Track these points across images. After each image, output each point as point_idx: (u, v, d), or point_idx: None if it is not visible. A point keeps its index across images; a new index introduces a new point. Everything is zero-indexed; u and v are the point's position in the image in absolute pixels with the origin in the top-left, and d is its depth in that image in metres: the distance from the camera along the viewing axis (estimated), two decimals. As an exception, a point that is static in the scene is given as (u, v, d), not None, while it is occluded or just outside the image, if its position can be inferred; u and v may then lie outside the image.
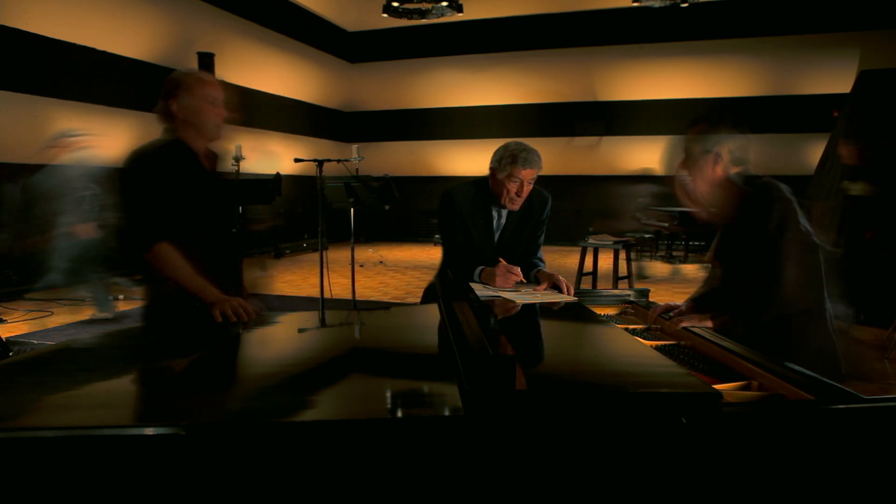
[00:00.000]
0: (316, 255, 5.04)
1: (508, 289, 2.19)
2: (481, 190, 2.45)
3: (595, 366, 1.43)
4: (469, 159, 12.74)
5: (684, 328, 1.74)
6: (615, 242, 6.39)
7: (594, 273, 6.60)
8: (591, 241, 6.60)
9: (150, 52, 8.47)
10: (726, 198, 1.84)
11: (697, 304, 1.95)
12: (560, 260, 9.44)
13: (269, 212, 8.95)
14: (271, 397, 1.27)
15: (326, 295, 5.05)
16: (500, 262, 2.28)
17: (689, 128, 1.86)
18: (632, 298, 2.20)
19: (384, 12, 9.41)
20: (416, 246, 12.48)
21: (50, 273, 4.66)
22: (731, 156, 1.81)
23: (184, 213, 1.95)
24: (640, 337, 1.77)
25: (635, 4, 9.32)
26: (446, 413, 1.14)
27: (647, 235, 10.16)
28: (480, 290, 2.12)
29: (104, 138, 5.39)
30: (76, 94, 7.42)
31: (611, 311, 2.14)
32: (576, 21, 11.99)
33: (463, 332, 1.37)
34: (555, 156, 10.74)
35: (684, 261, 9.70)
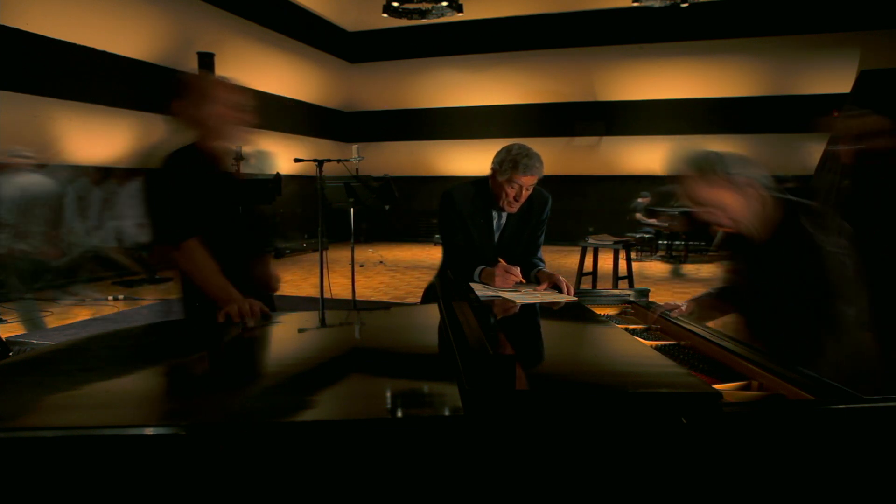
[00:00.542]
0: (316, 255, 5.04)
1: (508, 289, 2.19)
2: (481, 190, 2.45)
3: (595, 366, 1.43)
4: (469, 159, 12.75)
5: (684, 328, 1.74)
6: (615, 242, 6.40)
7: (594, 273, 6.60)
8: (591, 241, 6.60)
9: (150, 52, 8.47)
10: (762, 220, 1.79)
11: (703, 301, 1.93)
12: (560, 260, 9.44)
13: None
14: (271, 397, 1.26)
15: (326, 295, 5.05)
16: (499, 262, 2.27)
17: (688, 176, 1.81)
18: (632, 298, 2.19)
19: (384, 12, 9.41)
20: (416, 246, 12.48)
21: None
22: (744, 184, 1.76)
23: (207, 213, 2.00)
24: (640, 337, 1.77)
25: (635, 4, 9.33)
26: (446, 413, 1.14)
27: (648, 235, 10.17)
28: (480, 290, 2.12)
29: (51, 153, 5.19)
30: (76, 94, 7.43)
31: (611, 311, 2.14)
32: (576, 21, 12.00)
33: (463, 332, 1.37)
34: (555, 156, 10.73)
35: (684, 261, 9.70)
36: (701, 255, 10.42)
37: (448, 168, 13.23)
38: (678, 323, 1.80)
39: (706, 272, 8.77)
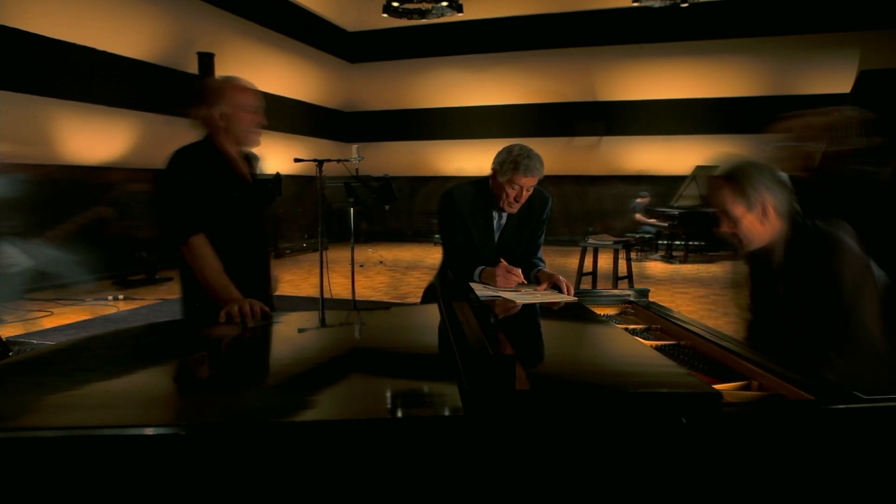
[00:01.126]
0: (316, 255, 5.04)
1: (508, 289, 2.19)
2: (481, 190, 2.45)
3: (595, 366, 1.43)
4: (469, 159, 12.74)
5: (684, 328, 1.74)
6: (615, 242, 6.40)
7: (594, 273, 6.60)
8: (591, 241, 6.60)
9: (150, 52, 8.47)
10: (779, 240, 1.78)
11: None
12: (560, 260, 9.44)
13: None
14: (271, 397, 1.27)
15: (326, 295, 5.05)
16: (500, 262, 2.27)
17: (720, 187, 1.79)
18: (632, 298, 2.19)
19: (384, 12, 9.41)
20: (416, 246, 12.48)
21: None
22: (776, 207, 1.75)
23: (215, 212, 2.03)
24: (640, 337, 1.77)
25: (635, 4, 9.32)
26: (446, 413, 1.14)
27: (648, 235, 10.17)
28: (480, 290, 2.12)
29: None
30: (76, 94, 7.42)
31: (611, 311, 2.14)
32: (576, 21, 11.99)
33: (463, 332, 1.37)
34: (555, 156, 10.74)
35: (684, 261, 9.70)
36: (701, 255, 10.42)
37: (448, 168, 13.23)
38: (678, 323, 1.80)
39: (706, 272, 8.77)
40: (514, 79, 12.77)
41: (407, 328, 1.93)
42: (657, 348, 1.64)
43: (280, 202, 8.10)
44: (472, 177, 2.58)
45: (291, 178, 9.62)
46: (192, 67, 8.90)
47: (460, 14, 9.51)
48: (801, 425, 1.11)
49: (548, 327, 1.85)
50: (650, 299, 2.20)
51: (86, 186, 7.41)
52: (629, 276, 6.49)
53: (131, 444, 0.99)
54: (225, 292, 1.94)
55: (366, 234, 12.53)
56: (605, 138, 12.51)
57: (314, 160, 4.87)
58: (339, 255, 9.17)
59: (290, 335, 1.85)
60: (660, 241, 10.47)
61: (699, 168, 9.81)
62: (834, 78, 10.18)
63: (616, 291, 2.37)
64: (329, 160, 4.89)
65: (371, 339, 1.81)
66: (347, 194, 5.07)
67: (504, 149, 2.36)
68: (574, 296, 2.14)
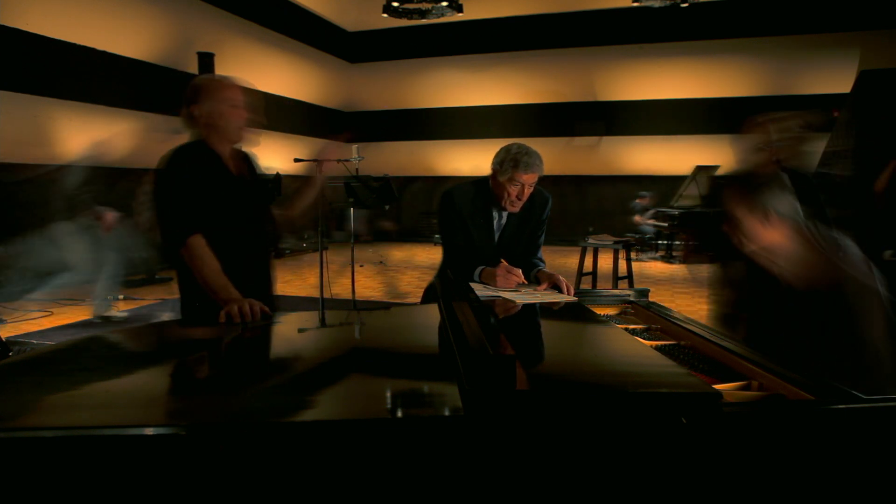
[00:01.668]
0: (316, 255, 5.04)
1: (509, 289, 2.19)
2: (481, 190, 2.45)
3: (595, 366, 1.43)
4: (469, 159, 12.74)
5: (684, 328, 1.74)
6: (615, 242, 6.40)
7: (594, 273, 6.60)
8: (591, 241, 6.60)
9: (150, 52, 8.47)
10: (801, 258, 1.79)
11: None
12: (560, 260, 9.43)
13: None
14: (271, 397, 1.27)
15: (326, 295, 5.05)
16: (501, 262, 2.27)
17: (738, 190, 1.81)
18: (632, 298, 2.19)
19: (384, 12, 9.41)
20: (416, 246, 12.48)
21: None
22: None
23: (210, 212, 2.02)
24: (640, 337, 1.77)
25: (635, 4, 9.32)
26: (446, 413, 1.14)
27: (648, 236, 10.17)
28: (480, 290, 2.12)
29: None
30: (76, 94, 7.42)
31: (611, 311, 2.14)
32: (576, 21, 11.99)
33: (463, 332, 1.37)
34: (555, 156, 10.73)
35: (684, 261, 9.70)
36: (700, 256, 10.41)
37: (448, 168, 13.22)
38: (678, 323, 1.80)
39: (707, 272, 8.75)
40: (514, 79, 12.76)
41: (407, 328, 1.93)
42: (657, 348, 1.64)
43: (280, 202, 8.08)
44: (471, 177, 2.58)
45: (291, 179, 9.62)
46: (192, 67, 8.90)
47: (460, 14, 9.52)
48: (801, 425, 1.11)
49: (548, 327, 1.85)
50: (650, 299, 2.20)
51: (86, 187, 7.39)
52: (629, 276, 6.49)
53: (131, 444, 0.99)
54: (224, 292, 1.93)
55: (366, 234, 12.52)
56: (605, 138, 12.51)
57: (314, 160, 4.86)
58: (339, 255, 9.17)
59: (290, 335, 1.85)
60: (660, 241, 10.47)
61: (699, 168, 9.81)
62: (834, 78, 10.17)
63: (616, 291, 2.37)
64: (329, 160, 4.88)
65: (371, 339, 1.81)
66: (347, 194, 5.07)
67: (502, 148, 2.36)
68: (574, 296, 2.14)
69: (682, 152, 11.42)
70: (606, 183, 12.41)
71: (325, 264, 4.87)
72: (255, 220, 2.22)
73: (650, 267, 9.44)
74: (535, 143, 2.45)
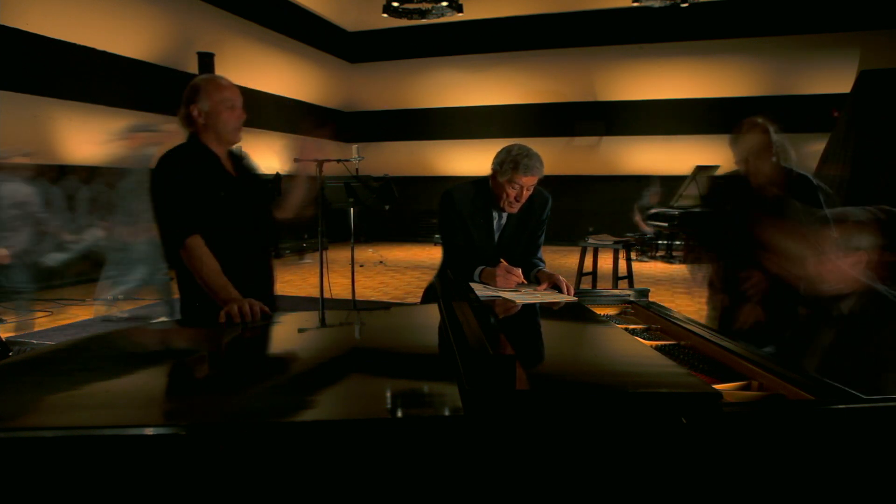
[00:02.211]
0: (316, 255, 5.04)
1: (508, 289, 2.19)
2: (481, 190, 2.45)
3: (595, 366, 1.43)
4: (469, 159, 12.74)
5: (684, 328, 1.74)
6: (615, 242, 6.40)
7: (594, 273, 6.60)
8: (591, 241, 6.60)
9: (150, 52, 8.47)
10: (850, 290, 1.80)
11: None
12: (560, 260, 9.44)
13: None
14: (271, 397, 1.26)
15: (326, 295, 5.05)
16: (500, 262, 2.27)
17: (839, 222, 1.81)
18: (632, 298, 2.19)
19: (384, 12, 9.41)
20: (416, 246, 12.48)
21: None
22: (869, 262, 1.76)
23: (208, 212, 2.02)
24: (640, 337, 1.77)
25: (635, 4, 9.33)
26: (446, 413, 1.14)
27: (648, 236, 10.16)
28: (480, 290, 2.12)
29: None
30: (76, 94, 7.42)
31: (611, 311, 2.14)
32: (576, 21, 11.99)
33: (463, 332, 1.37)
34: (555, 156, 10.73)
35: (684, 261, 9.68)
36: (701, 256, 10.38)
37: (448, 168, 13.22)
38: (678, 323, 1.80)
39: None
40: (514, 79, 12.76)
41: (407, 328, 1.93)
42: (657, 348, 1.64)
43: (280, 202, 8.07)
44: (471, 177, 2.58)
45: (291, 179, 9.61)
46: (192, 67, 8.90)
47: (460, 14, 9.52)
48: (801, 425, 1.11)
49: (548, 327, 1.85)
50: (650, 299, 2.20)
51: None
52: (629, 276, 6.49)
53: (131, 444, 0.99)
54: (224, 292, 1.93)
55: (366, 234, 12.51)
56: (605, 138, 12.51)
57: (314, 160, 4.87)
58: (339, 255, 9.17)
59: (290, 335, 1.85)
60: (660, 242, 10.47)
61: (699, 168, 9.80)
62: (834, 78, 10.17)
63: (616, 291, 2.37)
64: (329, 160, 4.88)
65: (371, 339, 1.81)
66: (347, 194, 5.07)
67: (503, 149, 2.36)
68: (574, 296, 2.14)
69: (682, 152, 11.41)
70: (606, 183, 12.41)
71: (325, 264, 4.87)
72: (254, 220, 2.22)
73: (650, 267, 9.44)
74: (535, 143, 2.45)
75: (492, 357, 1.12)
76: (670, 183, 10.38)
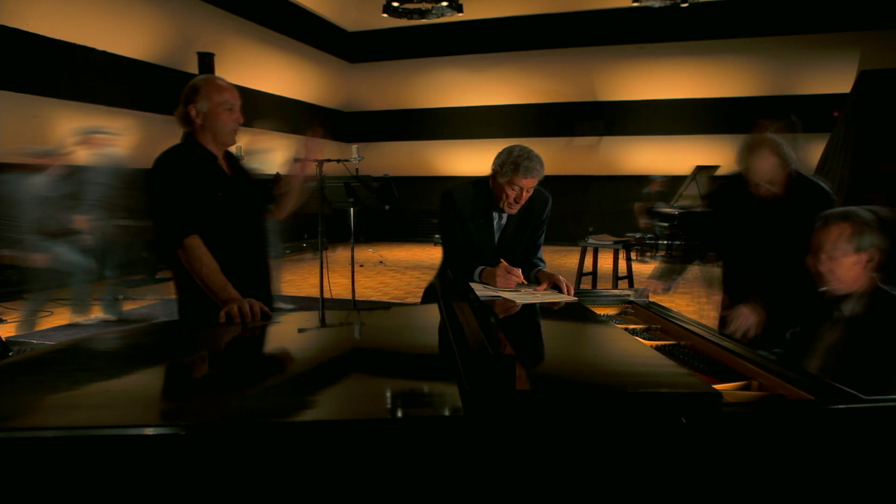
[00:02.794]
0: (316, 255, 5.04)
1: (508, 289, 2.19)
2: (482, 190, 2.45)
3: (595, 366, 1.43)
4: (469, 159, 12.73)
5: (684, 328, 1.74)
6: (615, 242, 6.40)
7: (594, 273, 6.60)
8: (591, 241, 6.60)
9: (150, 52, 8.46)
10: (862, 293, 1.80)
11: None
12: (560, 260, 9.44)
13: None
14: (271, 397, 1.27)
15: (326, 295, 5.05)
16: (500, 262, 2.27)
17: (844, 220, 1.80)
18: (632, 298, 2.20)
19: (384, 12, 9.40)
20: (416, 246, 12.47)
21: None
22: (875, 262, 1.76)
23: (206, 212, 2.02)
24: (640, 337, 1.77)
25: (635, 4, 9.31)
26: (446, 413, 1.14)
27: (648, 236, 10.15)
28: (480, 291, 2.12)
29: (125, 138, 5.42)
30: (76, 94, 7.42)
31: (611, 311, 2.14)
32: (576, 21, 11.98)
33: (463, 333, 1.37)
34: (555, 156, 10.72)
35: (684, 261, 9.66)
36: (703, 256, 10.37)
37: (448, 168, 13.22)
38: (678, 323, 1.80)
39: (707, 272, 8.74)
40: (514, 79, 12.76)
41: (407, 328, 1.93)
42: (657, 348, 1.64)
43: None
44: (471, 177, 2.58)
45: (292, 179, 9.60)
46: (192, 67, 8.89)
47: (460, 14, 9.51)
48: (801, 425, 1.11)
49: (548, 327, 1.85)
50: (650, 299, 2.20)
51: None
52: (629, 276, 6.49)
53: (131, 444, 0.99)
54: (223, 292, 1.93)
55: (366, 234, 12.51)
56: (605, 138, 12.50)
57: (314, 160, 4.86)
58: (339, 255, 9.17)
59: (290, 335, 1.85)
60: (659, 242, 10.46)
61: (699, 168, 9.80)
62: (834, 78, 10.17)
63: (616, 291, 2.37)
64: (329, 160, 4.88)
65: (371, 339, 1.81)
66: (347, 194, 5.07)
67: (504, 150, 2.36)
68: (574, 296, 2.14)
69: (682, 152, 11.41)
70: (606, 183, 12.41)
71: (325, 264, 4.87)
72: (252, 220, 2.22)
73: (650, 267, 9.43)
74: (535, 143, 2.45)
75: (492, 357, 1.12)
76: (670, 183, 10.37)
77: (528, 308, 1.96)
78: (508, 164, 2.29)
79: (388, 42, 13.12)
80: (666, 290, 2.45)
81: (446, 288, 2.13)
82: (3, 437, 1.01)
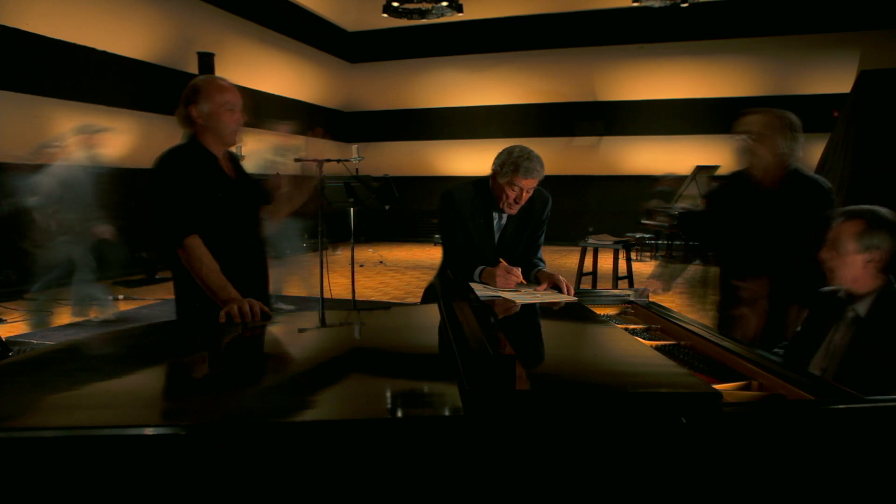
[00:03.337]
0: (316, 255, 5.04)
1: (508, 289, 2.19)
2: (482, 190, 2.45)
3: (595, 366, 1.43)
4: (469, 159, 12.73)
5: (684, 328, 1.74)
6: (615, 242, 6.39)
7: (594, 273, 6.60)
8: (591, 241, 6.60)
9: (150, 52, 8.46)
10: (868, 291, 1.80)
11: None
12: (560, 260, 9.44)
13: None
14: (271, 397, 1.27)
15: (326, 295, 5.05)
16: (500, 262, 2.27)
17: (853, 217, 1.80)
18: (632, 298, 2.19)
19: (384, 12, 9.40)
20: (416, 246, 12.47)
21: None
22: (883, 262, 1.76)
23: (206, 213, 2.02)
24: (640, 337, 1.77)
25: (635, 4, 9.31)
26: (446, 413, 1.14)
27: (648, 236, 10.15)
28: (480, 291, 2.12)
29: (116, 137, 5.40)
30: (76, 94, 7.42)
31: (611, 311, 2.14)
32: (576, 21, 11.98)
33: (463, 333, 1.37)
34: (555, 156, 10.72)
35: (684, 261, 9.65)
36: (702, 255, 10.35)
37: (448, 168, 13.22)
38: (678, 323, 1.80)
39: (707, 273, 8.74)
40: (514, 79, 12.76)
41: (407, 328, 1.93)
42: (657, 348, 1.64)
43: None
44: (471, 177, 2.58)
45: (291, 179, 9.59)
46: (192, 67, 8.89)
47: (460, 14, 9.50)
48: (801, 425, 1.11)
49: (548, 327, 1.85)
50: (650, 299, 2.20)
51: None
52: (629, 276, 6.49)
53: (131, 444, 0.99)
54: (223, 293, 1.93)
55: (366, 234, 12.51)
56: (605, 138, 12.51)
57: (314, 160, 4.87)
58: (338, 255, 9.17)
59: (290, 335, 1.85)
60: (659, 242, 10.45)
61: (699, 168, 9.79)
62: (834, 78, 10.16)
63: (616, 291, 2.37)
64: (329, 160, 4.88)
65: (371, 339, 1.81)
66: (347, 194, 5.07)
67: (504, 150, 2.36)
68: (574, 296, 2.14)
69: (682, 152, 11.40)
70: (606, 183, 12.41)
71: (325, 264, 4.87)
72: (252, 220, 2.22)
73: (650, 267, 9.42)
74: (535, 143, 2.45)
75: (492, 357, 1.12)
76: (677, 182, 10.37)
77: (528, 308, 1.96)
78: (508, 164, 2.29)
79: (388, 42, 13.12)
80: (666, 290, 2.46)
81: (446, 288, 2.13)
82: (3, 437, 1.01)
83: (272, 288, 2.39)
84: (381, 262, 9.94)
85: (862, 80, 6.97)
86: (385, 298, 6.87)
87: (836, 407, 1.15)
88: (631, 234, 8.62)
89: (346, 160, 5.21)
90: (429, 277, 2.64)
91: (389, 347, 1.69)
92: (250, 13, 10.18)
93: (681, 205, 9.55)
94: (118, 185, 5.47)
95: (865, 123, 6.59)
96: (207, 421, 1.12)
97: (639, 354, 1.43)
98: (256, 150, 6.10)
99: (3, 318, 5.48)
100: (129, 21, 8.10)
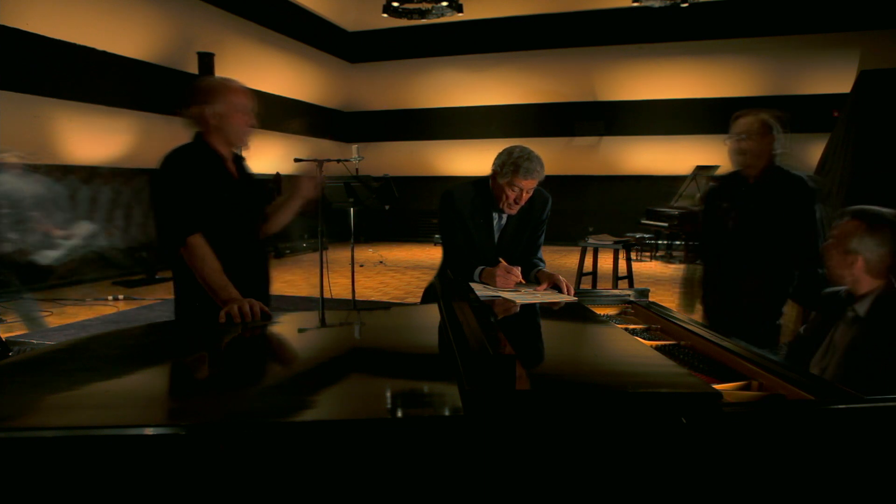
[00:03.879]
0: (316, 255, 5.04)
1: (508, 289, 2.19)
2: (482, 190, 2.45)
3: (595, 366, 1.43)
4: (469, 159, 12.74)
5: (684, 328, 1.74)
6: (615, 242, 6.39)
7: (594, 273, 6.60)
8: (591, 241, 6.60)
9: (150, 52, 8.46)
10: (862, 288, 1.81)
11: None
12: (560, 260, 9.44)
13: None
14: (271, 397, 1.27)
15: (326, 295, 5.05)
16: (500, 262, 2.27)
17: (852, 218, 1.80)
18: (632, 298, 2.19)
19: (384, 12, 9.40)
20: (416, 246, 12.48)
21: None
22: (883, 263, 1.76)
23: (210, 213, 2.02)
24: (640, 337, 1.77)
25: (635, 4, 9.31)
26: (446, 413, 1.14)
27: (648, 236, 10.15)
28: (480, 291, 2.12)
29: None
30: (76, 94, 7.42)
31: (611, 311, 2.14)
32: (576, 21, 11.99)
33: (463, 333, 1.37)
34: (555, 156, 10.73)
35: (684, 261, 9.68)
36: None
37: (448, 168, 13.22)
38: (678, 323, 1.80)
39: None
40: (514, 79, 12.76)
41: (407, 328, 1.93)
42: (657, 348, 1.64)
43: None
44: (471, 177, 2.58)
45: (291, 179, 9.60)
46: (192, 67, 8.89)
47: (460, 14, 9.50)
48: (801, 425, 1.11)
49: (548, 327, 1.85)
50: (650, 299, 2.20)
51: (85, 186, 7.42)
52: (629, 276, 6.49)
53: (131, 444, 0.99)
54: (224, 292, 1.94)
55: (366, 234, 12.51)
56: (605, 138, 12.51)
57: (314, 160, 4.87)
58: (339, 255, 9.17)
59: (290, 335, 1.85)
60: (659, 242, 10.46)
61: (699, 168, 9.79)
62: (834, 78, 10.16)
63: (616, 291, 2.37)
64: (329, 160, 4.88)
65: (371, 339, 1.81)
66: (347, 194, 5.07)
67: (505, 150, 2.36)
68: (574, 296, 2.14)
69: (682, 152, 11.41)
70: (606, 183, 12.41)
71: (325, 264, 4.87)
72: (254, 221, 2.23)
73: (650, 267, 9.43)
74: (534, 143, 2.45)
75: (492, 357, 1.12)
76: (670, 183, 10.38)
77: (528, 308, 1.96)
78: (509, 164, 2.29)
79: (388, 42, 13.12)
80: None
81: (446, 288, 2.13)
82: (3, 437, 1.01)
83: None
84: (381, 262, 9.94)
85: (862, 80, 6.96)
86: (385, 298, 6.87)
87: (835, 407, 1.15)
88: (631, 234, 8.62)
89: (346, 160, 5.21)
90: (429, 277, 2.65)
91: (389, 347, 1.69)
92: (250, 13, 10.18)
93: (680, 205, 9.56)
94: (118, 185, 5.47)
95: (865, 123, 6.58)
96: (207, 421, 1.12)
97: (639, 354, 1.43)
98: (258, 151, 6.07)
99: (3, 318, 5.47)
100: (129, 21, 8.10)
